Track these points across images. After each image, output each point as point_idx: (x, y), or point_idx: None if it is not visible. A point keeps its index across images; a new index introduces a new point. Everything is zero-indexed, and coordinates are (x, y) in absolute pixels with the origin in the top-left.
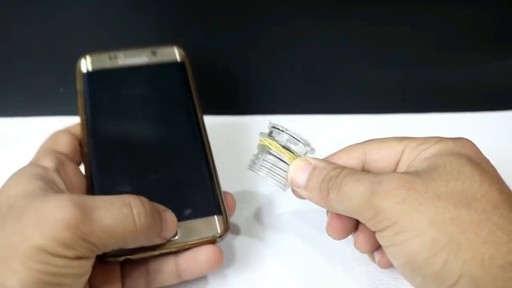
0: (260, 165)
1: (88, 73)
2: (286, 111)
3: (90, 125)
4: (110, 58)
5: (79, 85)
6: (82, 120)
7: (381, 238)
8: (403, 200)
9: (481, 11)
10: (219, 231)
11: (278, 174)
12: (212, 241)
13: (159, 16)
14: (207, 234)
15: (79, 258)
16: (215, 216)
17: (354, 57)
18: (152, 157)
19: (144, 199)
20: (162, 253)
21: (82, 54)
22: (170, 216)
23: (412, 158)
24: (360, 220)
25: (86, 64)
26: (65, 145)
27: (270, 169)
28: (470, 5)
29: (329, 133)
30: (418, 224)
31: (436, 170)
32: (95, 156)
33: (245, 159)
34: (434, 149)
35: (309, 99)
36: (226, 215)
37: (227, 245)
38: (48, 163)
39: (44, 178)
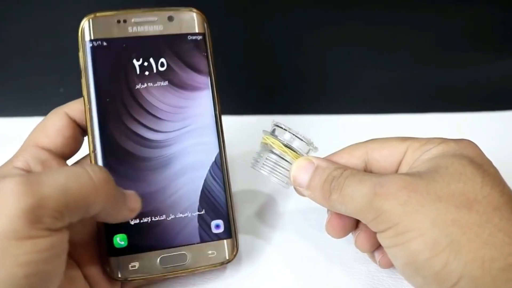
0: (263, 163)
1: (92, 42)
2: (287, 111)
3: (97, 120)
4: (119, 22)
5: (82, 57)
6: (86, 107)
7: (382, 239)
8: (404, 202)
9: (481, 11)
10: (227, 257)
11: (281, 173)
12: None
13: None
14: (216, 260)
15: (45, 232)
16: (225, 241)
17: (354, 57)
18: (164, 170)
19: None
20: (169, 277)
21: (86, 15)
22: (129, 191)
23: (414, 158)
24: (362, 221)
25: (90, 30)
26: (54, 136)
27: (272, 168)
28: (470, 5)
29: (329, 133)
30: (419, 225)
31: (438, 172)
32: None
33: (247, 159)
34: (436, 150)
35: (309, 99)
36: (236, 237)
37: None
38: (20, 164)
39: None
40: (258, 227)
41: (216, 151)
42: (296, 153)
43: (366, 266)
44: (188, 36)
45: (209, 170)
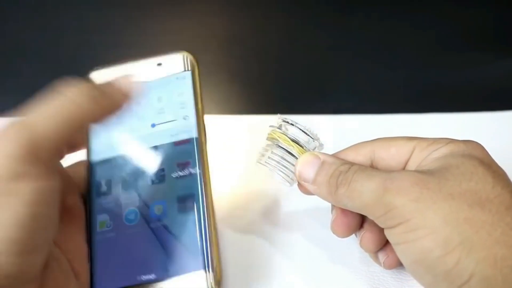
0: (268, 157)
1: None
2: (287, 111)
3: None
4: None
5: None
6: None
7: (391, 236)
8: (417, 198)
9: (481, 11)
10: None
11: (286, 167)
12: None
13: (159, 15)
14: None
15: (44, 170)
16: (205, 273)
17: (354, 57)
18: (144, 199)
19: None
20: None
21: (86, 73)
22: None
23: (422, 157)
24: (369, 216)
25: None
26: None
27: (278, 162)
28: (470, 5)
29: (329, 134)
30: (431, 222)
31: (449, 170)
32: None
33: (249, 159)
34: (445, 149)
35: (309, 99)
36: (217, 270)
37: (232, 244)
38: None
39: None
40: (261, 227)
41: (197, 186)
42: (303, 148)
43: (367, 267)
44: (177, 80)
45: (192, 201)
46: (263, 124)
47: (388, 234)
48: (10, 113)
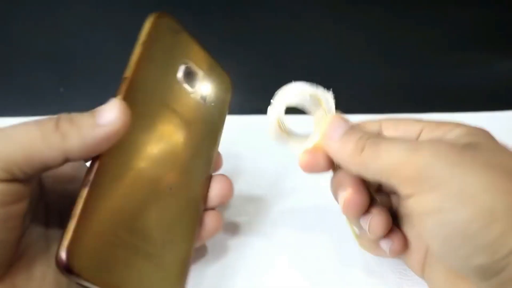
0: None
1: None
2: (286, 111)
3: None
4: None
5: None
6: None
7: (420, 204)
8: (454, 162)
9: (482, 11)
10: None
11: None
12: None
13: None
14: None
15: None
16: None
17: (354, 57)
18: None
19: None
20: None
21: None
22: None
23: (435, 138)
24: (391, 182)
25: None
26: None
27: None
28: (471, 5)
29: None
30: (471, 190)
31: (479, 144)
32: None
33: (249, 159)
34: (460, 130)
35: None
36: None
37: (233, 244)
38: None
39: None
40: (261, 227)
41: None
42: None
43: (368, 266)
44: None
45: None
46: (263, 124)
47: (415, 203)
48: (10, 113)
